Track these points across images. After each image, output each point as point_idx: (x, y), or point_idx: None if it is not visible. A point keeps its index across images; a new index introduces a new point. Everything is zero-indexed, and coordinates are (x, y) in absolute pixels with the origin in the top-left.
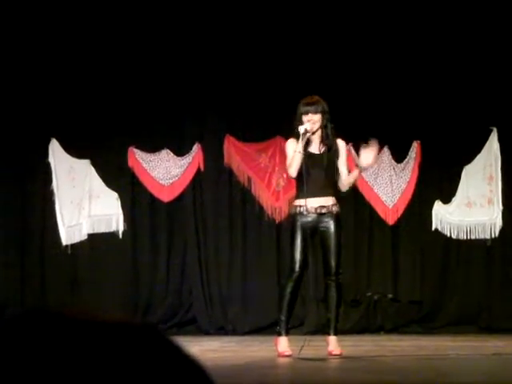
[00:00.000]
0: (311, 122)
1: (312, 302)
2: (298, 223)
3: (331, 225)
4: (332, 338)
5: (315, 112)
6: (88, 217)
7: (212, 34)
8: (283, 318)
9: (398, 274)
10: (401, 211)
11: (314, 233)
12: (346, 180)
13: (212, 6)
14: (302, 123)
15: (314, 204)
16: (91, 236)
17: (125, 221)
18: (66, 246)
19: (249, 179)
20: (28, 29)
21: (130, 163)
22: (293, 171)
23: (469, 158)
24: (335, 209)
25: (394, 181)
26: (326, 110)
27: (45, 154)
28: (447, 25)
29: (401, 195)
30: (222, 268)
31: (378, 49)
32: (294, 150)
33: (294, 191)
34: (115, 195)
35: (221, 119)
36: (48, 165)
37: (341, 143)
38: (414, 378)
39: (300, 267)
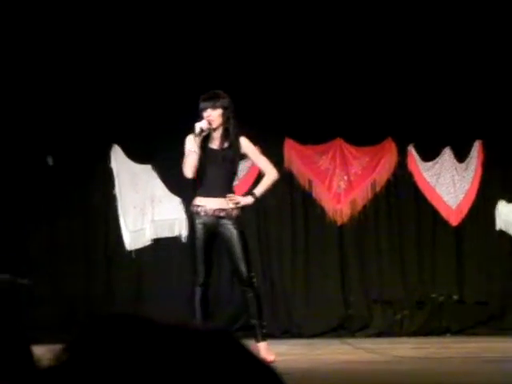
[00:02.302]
0: (210, 118)
1: (376, 303)
2: (197, 225)
3: (233, 230)
4: (261, 345)
5: (213, 108)
6: (151, 221)
7: (270, 40)
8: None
9: (463, 275)
10: (464, 212)
11: (214, 235)
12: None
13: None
14: (202, 119)
15: (212, 205)
16: (155, 240)
17: (188, 225)
18: (130, 250)
19: (310, 182)
20: (90, 41)
21: None
22: (187, 171)
23: None
24: (235, 213)
25: (456, 181)
26: (227, 106)
27: (107, 159)
28: (507, 24)
29: (464, 195)
30: (285, 271)
31: (439, 49)
32: (189, 149)
33: (355, 193)
34: (178, 200)
35: (280, 122)
36: (110, 170)
37: (243, 141)
38: (481, 380)
39: (205, 272)
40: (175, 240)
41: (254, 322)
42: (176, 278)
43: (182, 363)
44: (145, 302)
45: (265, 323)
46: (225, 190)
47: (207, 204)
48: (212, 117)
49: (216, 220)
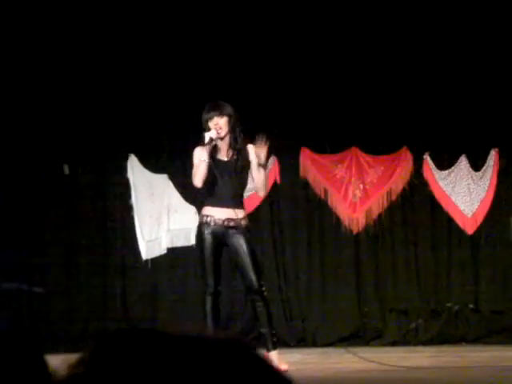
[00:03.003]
0: (217, 127)
1: (391, 312)
2: (205, 235)
3: (241, 240)
4: (272, 354)
5: (221, 116)
6: (167, 231)
7: (286, 50)
8: None
9: (478, 284)
10: (480, 220)
11: (222, 245)
12: (256, 181)
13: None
14: (209, 130)
15: (221, 216)
16: (170, 250)
17: (197, 235)
18: (146, 260)
19: (325, 191)
20: (106, 52)
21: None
22: (197, 181)
23: None
24: (244, 222)
25: (472, 189)
26: (233, 114)
27: (124, 169)
28: None
29: (479, 204)
30: (301, 280)
31: (455, 58)
32: (199, 159)
33: (371, 202)
34: (193, 209)
35: (296, 131)
36: (127, 180)
37: (251, 147)
38: None
39: (214, 281)
40: (191, 249)
41: (264, 330)
42: (191, 286)
43: (198, 374)
44: (160, 311)
45: (275, 332)
46: (234, 200)
47: (216, 214)
48: (219, 125)
49: (225, 230)
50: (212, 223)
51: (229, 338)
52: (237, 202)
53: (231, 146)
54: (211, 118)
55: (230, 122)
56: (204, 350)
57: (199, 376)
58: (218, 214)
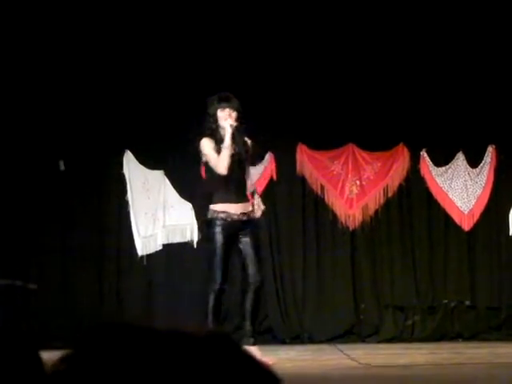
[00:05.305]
0: (230, 117)
1: (387, 309)
2: (219, 231)
3: (252, 233)
4: (253, 349)
5: (233, 108)
6: (163, 227)
7: (283, 46)
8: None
9: (474, 281)
10: (476, 217)
11: (233, 241)
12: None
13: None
14: (215, 120)
15: (235, 210)
16: (166, 246)
17: (199, 230)
18: (142, 256)
19: (322, 187)
20: (103, 48)
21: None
22: (223, 168)
23: None
24: (253, 215)
25: (469, 186)
26: (241, 109)
27: (119, 165)
28: None
29: (476, 200)
30: (297, 276)
31: (452, 54)
32: (212, 148)
33: (367, 198)
34: (189, 205)
35: (292, 128)
36: (123, 176)
37: (249, 143)
38: None
39: (222, 278)
40: (186, 246)
41: (246, 323)
42: (187, 282)
43: (181, 368)
44: (156, 307)
45: (254, 328)
46: (243, 193)
47: (229, 209)
48: (232, 116)
49: (238, 224)
50: (229, 219)
51: (212, 331)
52: (245, 195)
53: (234, 141)
54: (223, 108)
55: (238, 117)
56: (187, 343)
57: (182, 370)
58: (231, 209)
